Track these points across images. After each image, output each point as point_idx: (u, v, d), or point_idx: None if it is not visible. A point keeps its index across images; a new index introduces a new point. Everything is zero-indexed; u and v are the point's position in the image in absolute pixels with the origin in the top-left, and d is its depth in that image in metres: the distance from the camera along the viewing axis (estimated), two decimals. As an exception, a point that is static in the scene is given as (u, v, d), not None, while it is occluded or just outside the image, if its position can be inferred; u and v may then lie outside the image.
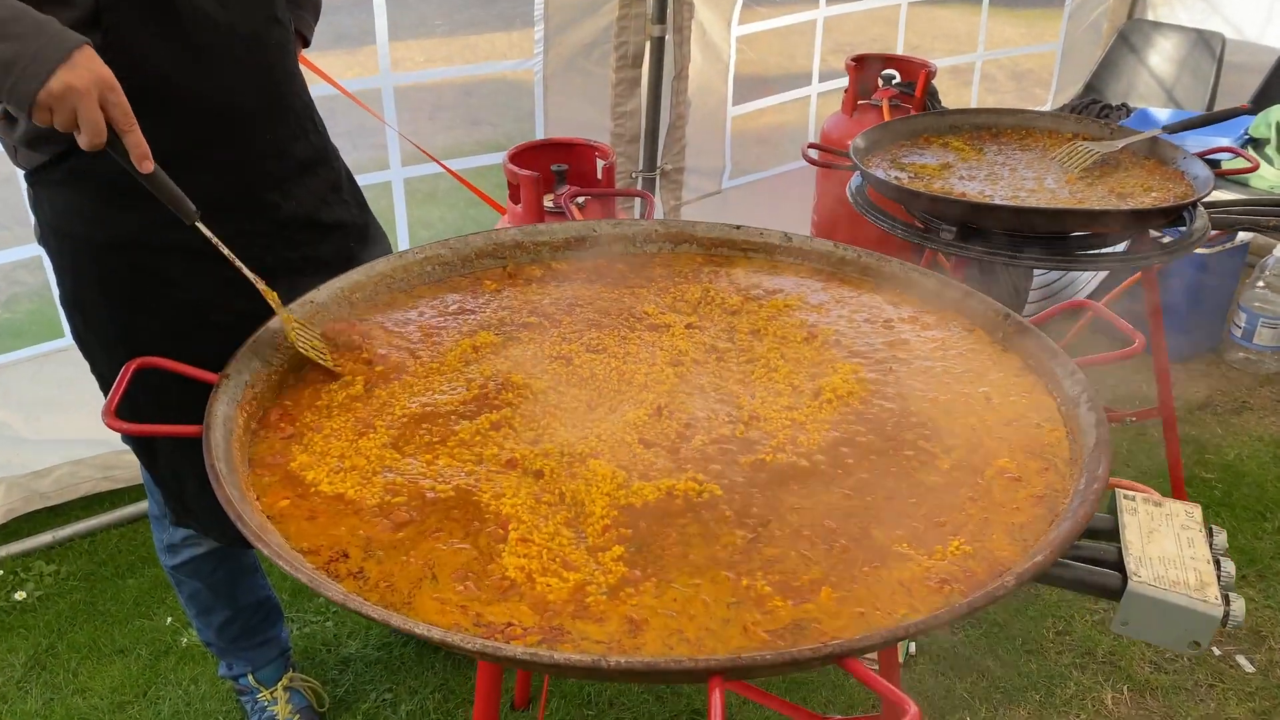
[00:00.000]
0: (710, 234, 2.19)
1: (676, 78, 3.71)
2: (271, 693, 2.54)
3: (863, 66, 3.93)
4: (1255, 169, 2.78)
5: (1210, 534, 1.50)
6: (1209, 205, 2.65)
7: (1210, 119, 2.90)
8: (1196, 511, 1.53)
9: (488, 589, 1.24)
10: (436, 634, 1.10)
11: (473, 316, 1.90)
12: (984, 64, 5.22)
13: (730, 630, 1.18)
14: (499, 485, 1.42)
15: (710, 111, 4.04)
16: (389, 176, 3.48)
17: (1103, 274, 3.95)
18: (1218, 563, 1.44)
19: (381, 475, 1.44)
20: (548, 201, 3.02)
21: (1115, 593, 1.39)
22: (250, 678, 2.54)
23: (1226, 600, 1.36)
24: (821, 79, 4.51)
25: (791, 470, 1.47)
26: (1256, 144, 4.18)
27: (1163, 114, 4.44)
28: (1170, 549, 1.45)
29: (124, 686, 2.72)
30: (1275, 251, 3.92)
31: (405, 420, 1.57)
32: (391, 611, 1.16)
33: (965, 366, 1.74)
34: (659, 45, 3.63)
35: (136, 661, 2.80)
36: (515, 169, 2.96)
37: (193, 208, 1.59)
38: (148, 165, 1.52)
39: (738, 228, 2.18)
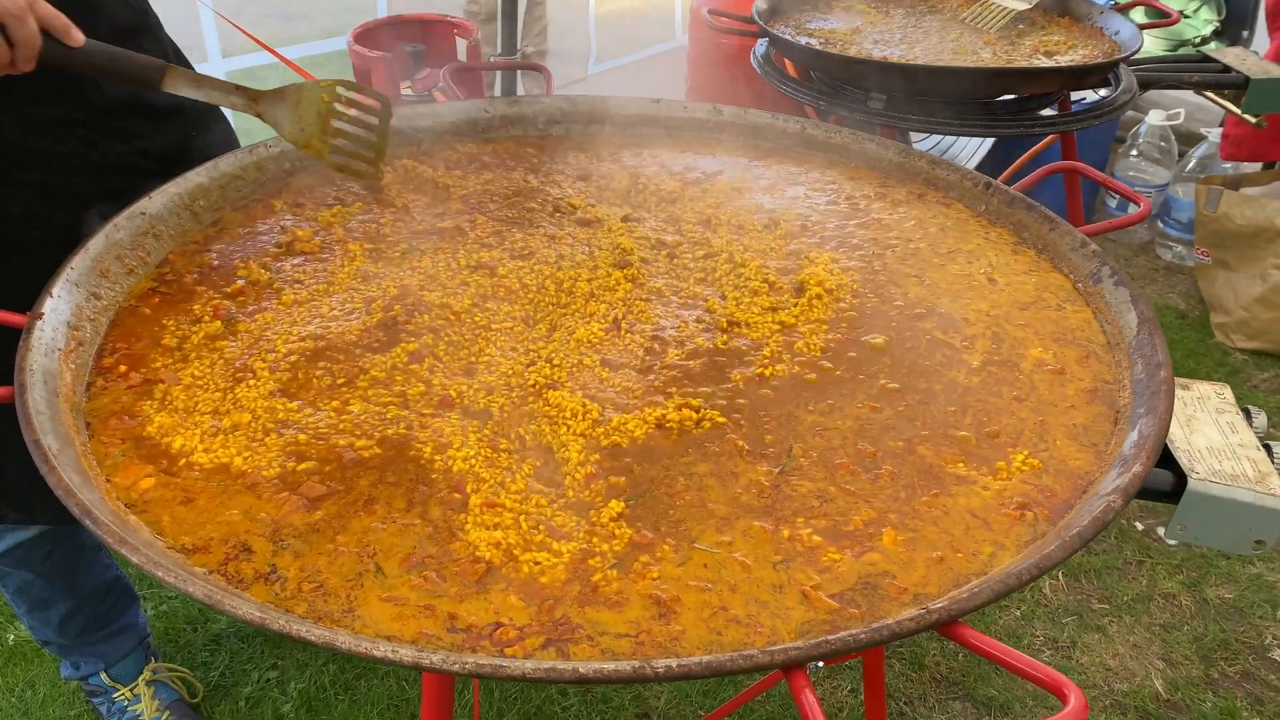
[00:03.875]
0: (625, 110, 1.85)
1: (535, -54, 3.28)
2: (131, 689, 2.14)
3: (733, -68, 3.60)
4: (1177, 21, 2.66)
5: (1249, 416, 1.33)
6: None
7: (1113, -27, 2.73)
8: (1227, 392, 1.37)
9: (456, 577, 0.92)
10: (407, 655, 0.78)
11: (357, 221, 1.52)
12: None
13: (787, 599, 0.90)
14: (439, 433, 1.09)
15: (571, -13, 3.63)
16: (208, 69, 2.93)
17: (990, 143, 3.83)
18: (1268, 448, 1.27)
19: (277, 433, 1.08)
20: (405, 89, 2.59)
21: (1172, 494, 1.20)
22: (103, 675, 2.13)
23: (1293, 492, 1.20)
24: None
25: (798, 383, 1.20)
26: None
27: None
28: (1216, 438, 1.28)
29: (-61, 701, 2.25)
30: (1148, 119, 3.89)
31: (294, 358, 1.20)
32: (336, 630, 0.82)
33: (954, 245, 1.50)
34: (513, -94, 3.18)
35: (-48, 669, 2.32)
36: (363, 50, 2.51)
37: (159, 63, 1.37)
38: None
39: (657, 102, 1.85)
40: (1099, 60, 2.26)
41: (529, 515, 0.98)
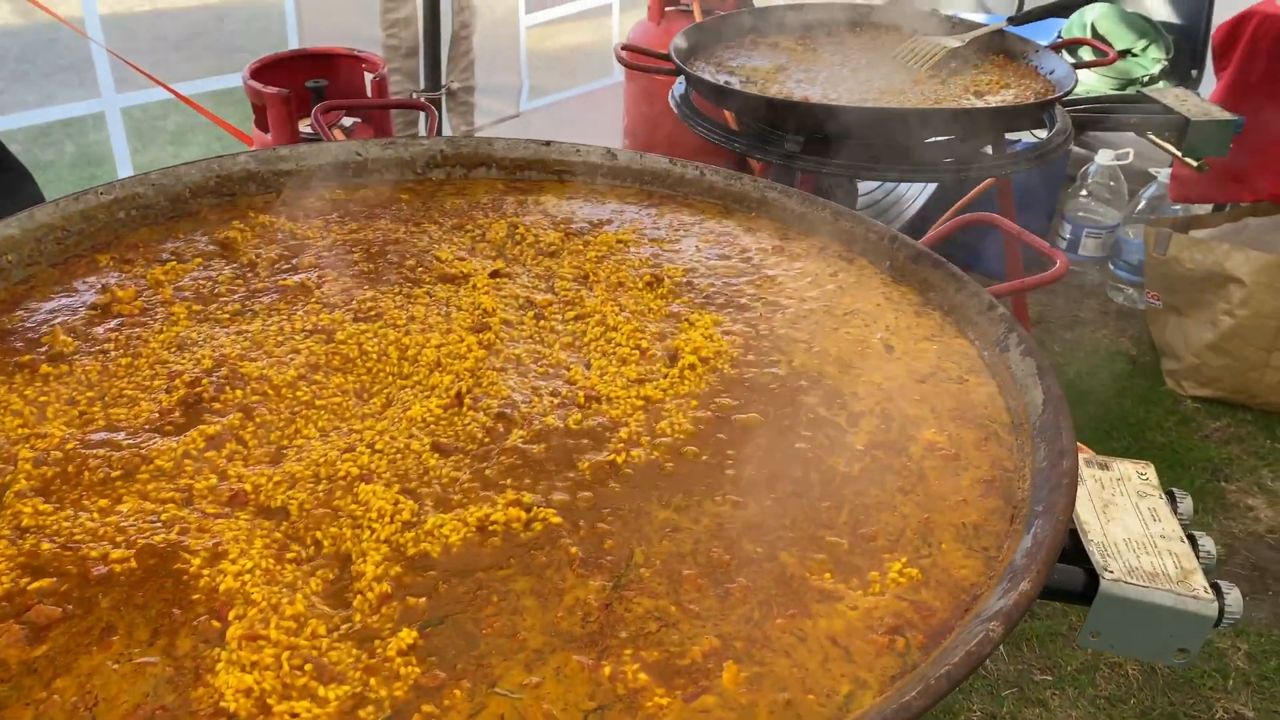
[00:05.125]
0: (513, 154, 1.71)
1: (457, -23, 3.15)
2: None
3: (669, -33, 3.50)
4: (1113, 61, 2.56)
5: (1173, 500, 1.19)
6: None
7: (1049, 10, 2.64)
8: (1150, 472, 1.23)
9: (189, 736, 0.75)
10: None
11: (191, 279, 1.36)
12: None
13: (594, 760, 0.74)
14: (218, 539, 0.92)
15: (500, 20, 3.50)
16: (99, 106, 2.77)
17: (930, 189, 3.73)
18: (1193, 540, 1.13)
19: (11, 542, 0.91)
20: (305, 126, 2.44)
21: (1083, 595, 1.06)
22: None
23: (1219, 593, 1.05)
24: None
25: (655, 472, 1.04)
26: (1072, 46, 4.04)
27: (977, 18, 4.24)
28: (1135, 528, 1.14)
29: None
30: (1097, 159, 3.80)
31: (71, 446, 1.03)
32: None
33: (851, 306, 1.36)
34: (432, -64, 3.05)
35: None
36: (258, 86, 2.36)
37: None
38: None
39: (547, 144, 1.71)
40: (1030, 100, 2.15)
41: (298, 650, 0.81)
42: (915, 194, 3.76)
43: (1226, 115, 2.31)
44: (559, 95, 3.97)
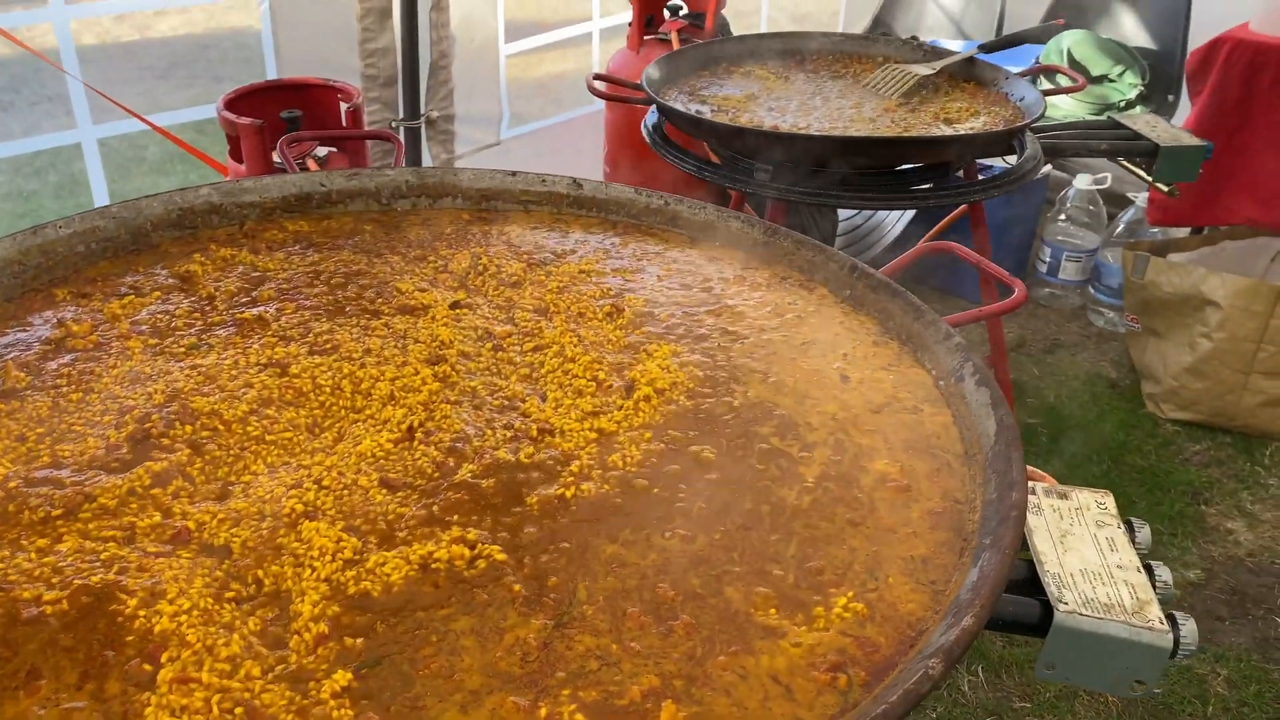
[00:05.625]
0: (479, 184, 1.71)
1: (434, 8, 3.17)
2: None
3: (647, -4, 3.52)
4: (1083, 87, 2.58)
5: (1131, 529, 1.19)
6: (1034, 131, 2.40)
7: (1024, 37, 2.66)
8: (1109, 501, 1.22)
9: (113, 783, 0.73)
10: None
11: (148, 312, 1.35)
12: (765, 3, 4.94)
13: (525, 804, 0.73)
14: (157, 578, 0.91)
15: (480, 50, 3.52)
16: (76, 137, 2.77)
17: (909, 215, 3.74)
18: (1149, 569, 1.12)
19: (-50, 586, 0.89)
20: (278, 156, 2.44)
21: (1038, 628, 1.05)
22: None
23: (1174, 624, 1.05)
24: (604, 16, 4.07)
25: (604, 506, 1.03)
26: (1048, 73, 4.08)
27: (956, 45, 4.27)
28: (1092, 558, 1.13)
29: None
30: (1075, 183, 3.82)
31: (13, 484, 1.02)
32: None
33: (810, 336, 1.36)
34: (410, -33, 3.07)
35: None
36: (232, 117, 2.36)
37: None
38: None
39: (513, 174, 1.71)
40: (999, 128, 2.16)
41: (230, 693, 0.80)
42: (895, 220, 3.78)
43: (1196, 141, 2.33)
44: (540, 123, 3.99)
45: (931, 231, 2.84)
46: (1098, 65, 4.15)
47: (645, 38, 3.56)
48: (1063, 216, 3.87)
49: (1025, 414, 3.28)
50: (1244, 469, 3.07)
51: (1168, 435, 3.26)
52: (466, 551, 0.95)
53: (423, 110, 3.35)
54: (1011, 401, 2.74)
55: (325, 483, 1.05)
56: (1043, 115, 2.14)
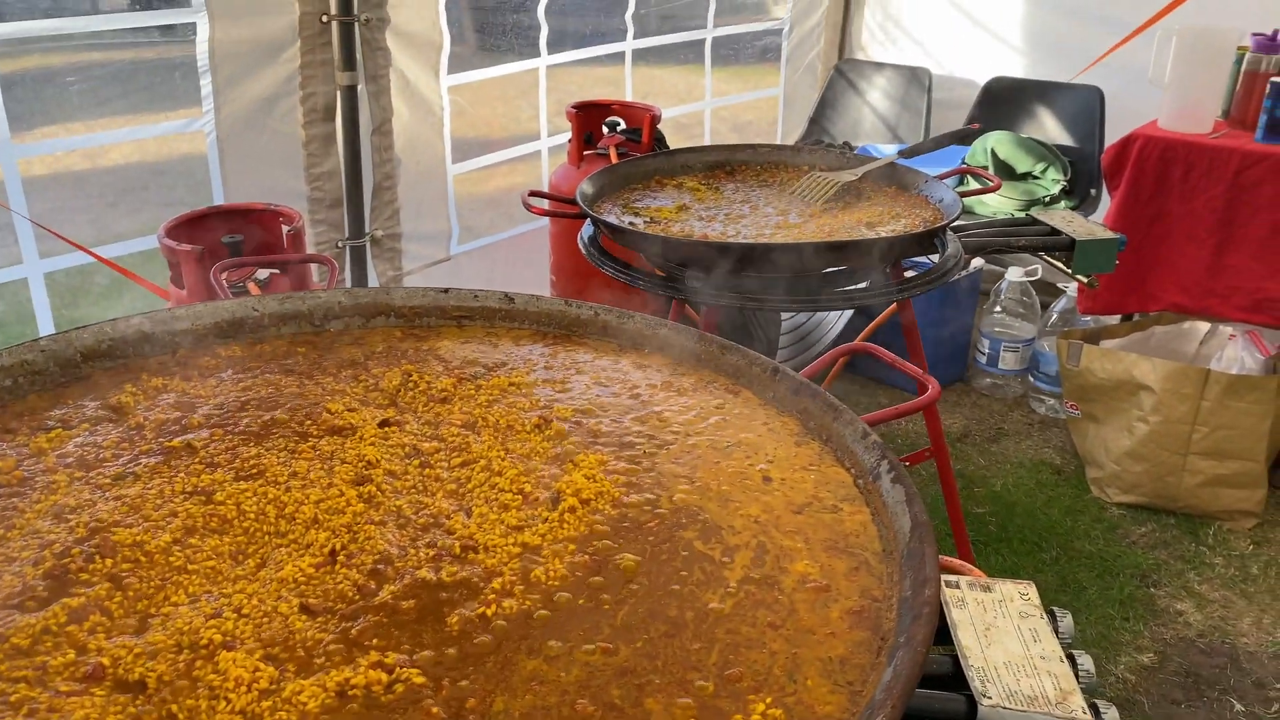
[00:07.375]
0: (411, 302, 1.74)
1: (376, 132, 3.26)
2: None
3: (586, 114, 3.66)
4: (998, 187, 2.69)
5: (1054, 619, 1.21)
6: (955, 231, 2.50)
7: (943, 141, 2.79)
8: (1032, 591, 1.25)
9: None
10: None
11: (75, 445, 1.35)
12: (708, 114, 5.13)
13: None
14: (67, 718, 0.90)
15: (427, 170, 3.61)
16: (23, 272, 2.79)
17: (849, 313, 3.84)
18: (1072, 659, 1.14)
19: None
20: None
21: (962, 724, 1.06)
22: None
23: (1096, 713, 1.06)
24: (552, 135, 4.21)
25: (526, 622, 1.04)
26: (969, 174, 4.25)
27: (888, 149, 4.46)
28: (1015, 649, 1.15)
29: None
30: (1008, 275, 3.95)
31: (-77, 627, 1.00)
32: None
33: (734, 438, 1.39)
34: (351, 95, 3.17)
35: None
36: (171, 244, 2.40)
37: None
38: None
39: (445, 291, 1.75)
40: (918, 229, 2.25)
41: (133, 835, 0.78)
42: (835, 318, 3.87)
43: (1109, 234, 2.43)
44: (491, 238, 4.06)
45: (867, 329, 2.92)
46: (1021, 163, 4.34)
47: (585, 153, 3.68)
48: (998, 308, 3.98)
49: (973, 504, 3.31)
50: (1189, 550, 3.12)
51: (1114, 519, 3.30)
52: (384, 676, 0.95)
53: (367, 229, 3.41)
54: (955, 492, 2.78)
55: (245, 610, 1.04)
56: (959, 216, 2.24)
